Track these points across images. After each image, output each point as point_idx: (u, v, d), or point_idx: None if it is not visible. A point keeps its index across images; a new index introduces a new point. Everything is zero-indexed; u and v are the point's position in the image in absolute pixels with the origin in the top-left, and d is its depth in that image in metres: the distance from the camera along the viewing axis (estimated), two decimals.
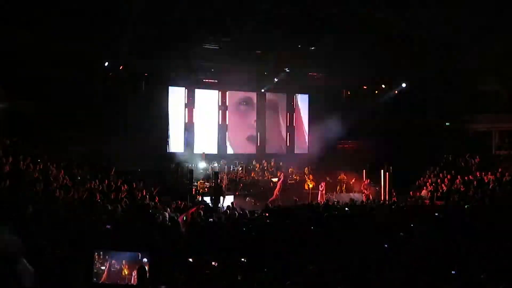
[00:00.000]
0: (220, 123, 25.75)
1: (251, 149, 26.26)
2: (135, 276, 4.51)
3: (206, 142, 24.98)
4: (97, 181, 15.40)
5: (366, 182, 22.30)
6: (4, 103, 18.18)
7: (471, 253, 8.83)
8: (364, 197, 21.28)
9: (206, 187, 21.17)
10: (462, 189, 19.89)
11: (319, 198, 21.06)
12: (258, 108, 26.58)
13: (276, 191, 21.22)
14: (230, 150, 25.79)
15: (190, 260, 6.58)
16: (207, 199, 19.73)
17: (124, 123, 21.07)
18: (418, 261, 8.04)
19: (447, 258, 8.66)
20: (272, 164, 24.88)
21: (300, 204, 17.33)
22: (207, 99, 25.47)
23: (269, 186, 22.39)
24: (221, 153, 25.15)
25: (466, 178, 20.75)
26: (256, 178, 23.45)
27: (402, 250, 9.40)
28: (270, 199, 20.36)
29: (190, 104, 24.96)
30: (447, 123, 25.97)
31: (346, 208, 16.01)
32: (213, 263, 6.66)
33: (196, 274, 5.94)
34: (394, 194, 20.91)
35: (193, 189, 20.40)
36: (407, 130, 24.65)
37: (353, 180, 23.33)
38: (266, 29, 18.81)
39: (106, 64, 21.14)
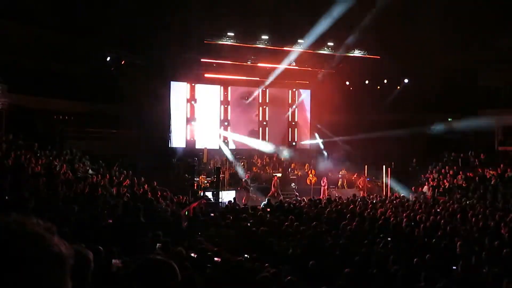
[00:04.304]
0: (222, 118, 25.73)
1: (253, 144, 26.22)
2: None
3: (208, 137, 24.96)
4: (99, 175, 15.41)
5: (362, 179, 22.33)
6: (7, 98, 18.17)
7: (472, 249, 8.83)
8: (361, 193, 21.17)
9: (207, 182, 21.17)
10: (464, 185, 19.85)
11: (321, 194, 21.03)
12: (260, 103, 26.53)
13: (273, 187, 21.09)
14: (232, 145, 25.77)
15: (193, 255, 6.58)
16: (209, 194, 19.76)
17: (126, 118, 21.06)
18: (420, 255, 8.04)
19: (448, 253, 8.66)
20: (274, 159, 24.86)
21: (301, 199, 17.31)
22: (209, 94, 25.43)
23: (271, 181, 22.34)
24: (223, 148, 25.12)
25: (468, 174, 20.69)
26: (258, 173, 23.43)
27: (405, 245, 9.40)
28: (269, 194, 20.27)
29: (192, 99, 24.95)
30: (449, 119, 25.88)
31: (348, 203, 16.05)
32: (215, 259, 6.67)
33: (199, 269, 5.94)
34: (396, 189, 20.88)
35: (195, 184, 20.41)
36: (409, 125, 24.58)
37: (355, 176, 23.30)
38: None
39: (108, 59, 21.11)
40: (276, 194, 20.41)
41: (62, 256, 1.03)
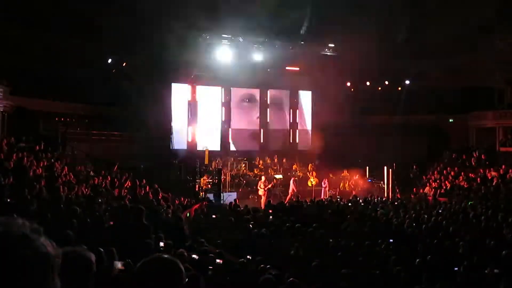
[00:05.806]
0: (223, 119, 25.70)
1: (254, 146, 26.20)
2: None
3: (209, 138, 24.92)
4: (100, 177, 15.42)
5: (353, 180, 22.29)
6: (9, 100, 18.20)
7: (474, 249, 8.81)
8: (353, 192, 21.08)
9: (209, 184, 21.15)
10: (465, 186, 19.82)
11: (322, 195, 20.99)
12: (261, 104, 26.52)
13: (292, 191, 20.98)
14: (233, 147, 25.75)
15: (194, 256, 6.58)
16: (210, 196, 19.73)
17: (128, 120, 21.07)
18: (422, 256, 8.03)
19: (450, 254, 8.64)
20: (275, 161, 24.82)
21: (303, 200, 17.29)
22: (210, 96, 25.41)
23: (273, 183, 22.28)
24: (224, 150, 25.10)
25: (469, 174, 20.67)
26: (259, 174, 23.38)
27: (407, 246, 9.39)
28: (289, 198, 20.14)
29: (193, 100, 24.92)
30: (450, 120, 25.86)
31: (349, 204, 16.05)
32: (217, 260, 6.67)
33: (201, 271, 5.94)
34: (397, 191, 20.86)
35: (196, 185, 20.38)
36: (411, 126, 24.58)
37: (356, 177, 23.26)
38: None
39: (109, 61, 21.14)
40: (293, 196, 20.30)
41: (48, 256, 1.05)
